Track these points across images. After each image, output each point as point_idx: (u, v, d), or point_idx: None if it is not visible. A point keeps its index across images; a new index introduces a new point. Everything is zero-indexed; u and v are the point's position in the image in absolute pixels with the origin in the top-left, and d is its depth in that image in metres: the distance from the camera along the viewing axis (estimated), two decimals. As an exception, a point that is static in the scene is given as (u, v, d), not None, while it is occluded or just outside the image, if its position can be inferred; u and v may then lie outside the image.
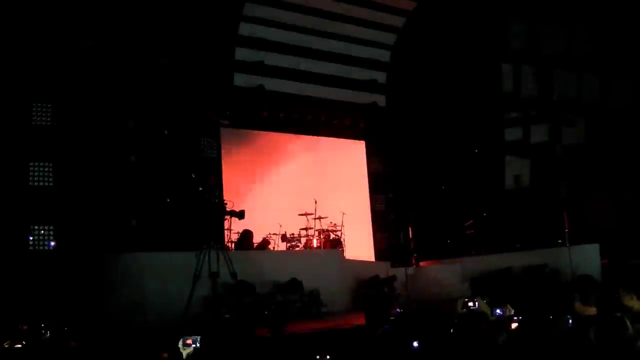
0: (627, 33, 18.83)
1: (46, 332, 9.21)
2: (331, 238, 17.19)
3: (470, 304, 7.11)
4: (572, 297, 7.66)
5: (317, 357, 6.67)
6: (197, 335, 5.78)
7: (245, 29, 17.56)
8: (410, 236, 18.41)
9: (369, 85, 19.96)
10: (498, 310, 6.89)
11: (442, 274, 16.63)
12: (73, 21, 14.24)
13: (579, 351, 5.75)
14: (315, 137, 19.74)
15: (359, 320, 12.27)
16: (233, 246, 15.39)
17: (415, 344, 6.61)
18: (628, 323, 6.10)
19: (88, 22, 14.46)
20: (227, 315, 11.99)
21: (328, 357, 6.63)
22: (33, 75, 13.84)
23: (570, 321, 6.25)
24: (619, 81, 19.71)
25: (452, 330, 6.65)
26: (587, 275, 14.93)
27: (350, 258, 17.17)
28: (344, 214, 18.31)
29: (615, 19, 18.51)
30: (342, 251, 16.74)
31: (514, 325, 6.90)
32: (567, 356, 5.95)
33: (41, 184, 13.81)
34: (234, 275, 12.44)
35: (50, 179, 13.84)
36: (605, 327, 6.10)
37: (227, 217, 14.87)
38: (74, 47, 14.27)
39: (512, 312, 6.92)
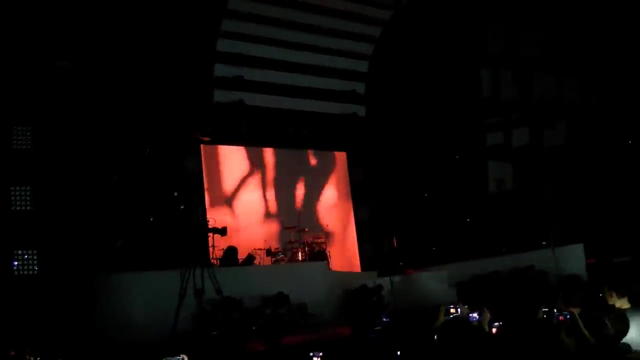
0: (604, 33, 18.99)
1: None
2: (316, 250, 17.21)
3: (453, 310, 7.13)
4: (556, 297, 7.73)
5: (311, 354, 6.78)
6: (181, 355, 5.77)
7: (223, 45, 17.60)
8: (395, 244, 18.44)
9: (349, 96, 20.01)
10: (474, 315, 6.91)
11: (429, 281, 16.61)
12: (51, 43, 14.27)
13: (558, 352, 5.80)
14: (297, 149, 19.80)
15: (347, 330, 12.30)
16: (218, 263, 15.38)
17: (399, 352, 6.65)
18: (607, 322, 6.15)
19: (66, 44, 14.49)
20: (215, 332, 12.00)
21: (321, 354, 6.75)
22: (12, 98, 13.83)
23: (569, 316, 6.27)
24: (598, 81, 19.84)
25: (435, 338, 6.67)
26: (572, 275, 15.10)
27: (336, 269, 17.20)
28: (327, 225, 18.39)
29: (590, 21, 18.70)
30: (328, 263, 16.74)
31: (494, 331, 6.94)
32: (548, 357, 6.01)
33: (23, 208, 13.77)
34: (218, 291, 12.46)
35: (31, 203, 13.78)
36: (586, 326, 6.15)
37: (210, 234, 14.91)
38: (52, 69, 14.27)
39: (489, 317, 6.94)
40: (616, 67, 19.08)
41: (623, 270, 15.12)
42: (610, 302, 7.73)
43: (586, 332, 6.08)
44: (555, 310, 6.62)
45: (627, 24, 18.30)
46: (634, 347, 6.58)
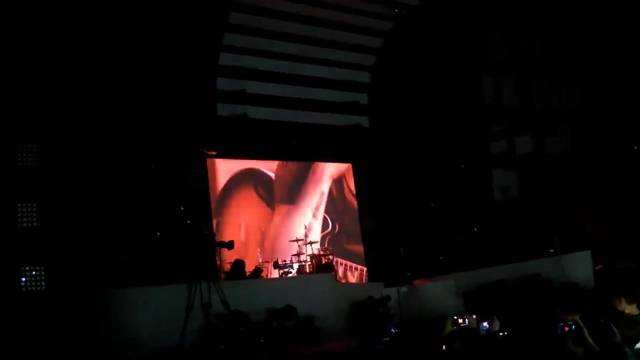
0: (605, 39, 18.99)
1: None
2: (323, 262, 17.19)
3: (460, 320, 7.12)
4: (555, 305, 7.70)
5: None
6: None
7: (225, 59, 17.67)
8: (402, 255, 18.40)
9: (351, 107, 20.06)
10: (485, 324, 6.91)
11: (436, 291, 16.57)
12: (53, 59, 14.32)
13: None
14: (301, 162, 19.82)
15: (354, 342, 12.26)
16: (225, 277, 15.37)
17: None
18: (615, 329, 6.13)
19: (68, 60, 14.55)
20: (222, 346, 11.99)
21: None
22: (16, 115, 13.88)
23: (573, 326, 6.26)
24: (600, 87, 19.81)
25: (443, 348, 6.67)
26: (571, 283, 15.04)
27: (343, 281, 17.18)
28: (333, 237, 18.39)
29: (591, 27, 18.72)
30: (335, 275, 16.72)
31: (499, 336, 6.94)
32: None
33: (29, 224, 13.81)
34: (225, 304, 12.45)
35: (37, 219, 13.81)
36: (593, 334, 6.13)
37: (217, 248, 14.91)
38: (55, 85, 14.32)
39: (498, 325, 6.94)
40: (618, 73, 19.05)
41: (631, 276, 15.05)
42: (620, 309, 7.69)
43: (590, 340, 6.06)
44: (557, 318, 6.61)
45: (628, 29, 18.30)
46: None
